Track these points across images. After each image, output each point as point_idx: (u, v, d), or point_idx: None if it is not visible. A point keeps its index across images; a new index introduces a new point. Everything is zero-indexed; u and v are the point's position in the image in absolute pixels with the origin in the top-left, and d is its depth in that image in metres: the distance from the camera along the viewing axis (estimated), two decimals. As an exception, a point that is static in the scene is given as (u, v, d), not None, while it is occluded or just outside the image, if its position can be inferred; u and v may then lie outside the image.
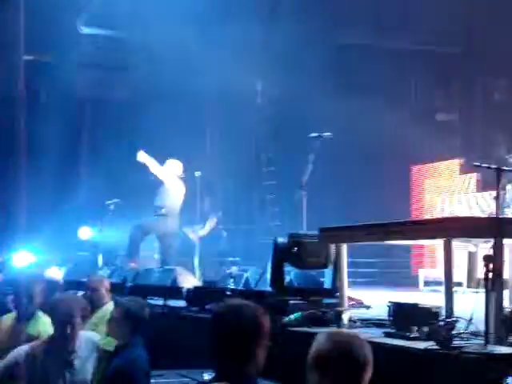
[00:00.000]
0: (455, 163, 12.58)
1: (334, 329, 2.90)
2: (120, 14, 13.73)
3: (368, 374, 2.64)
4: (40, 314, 5.90)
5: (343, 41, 14.33)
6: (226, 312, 2.96)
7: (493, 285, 4.15)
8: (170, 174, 10.40)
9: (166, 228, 10.27)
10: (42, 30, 13.30)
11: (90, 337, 5.09)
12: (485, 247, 4.56)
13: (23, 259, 11.35)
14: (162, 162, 10.60)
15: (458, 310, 4.42)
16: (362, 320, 5.49)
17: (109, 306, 6.15)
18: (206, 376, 5.10)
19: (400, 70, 14.11)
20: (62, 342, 4.86)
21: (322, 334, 2.72)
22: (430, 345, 4.15)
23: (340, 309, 5.29)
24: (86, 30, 14.39)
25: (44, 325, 5.63)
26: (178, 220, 10.45)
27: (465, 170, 12.21)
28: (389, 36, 14.23)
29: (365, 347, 2.67)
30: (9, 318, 6.06)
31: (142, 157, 10.33)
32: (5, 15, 13.55)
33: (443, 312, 4.45)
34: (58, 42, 13.87)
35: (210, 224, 11.76)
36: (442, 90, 13.93)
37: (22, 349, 4.91)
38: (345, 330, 2.86)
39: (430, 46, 14.36)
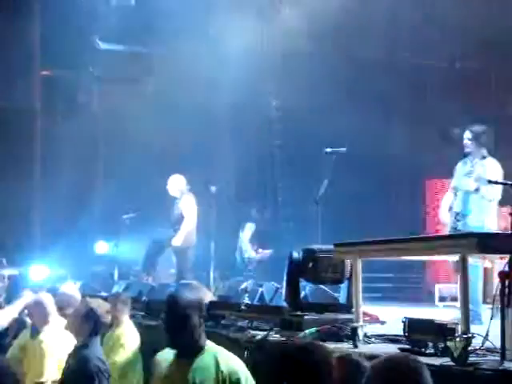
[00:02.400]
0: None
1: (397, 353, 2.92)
2: (136, 29, 13.85)
3: None
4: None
5: (358, 55, 14.35)
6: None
7: (508, 301, 4.14)
8: (179, 190, 10.46)
9: (182, 243, 10.30)
10: (59, 46, 13.43)
11: None
12: (500, 263, 4.54)
13: (39, 273, 11.41)
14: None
15: (474, 326, 4.41)
16: (378, 336, 5.47)
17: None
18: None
19: (415, 84, 14.13)
20: None
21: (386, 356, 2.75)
22: (445, 361, 4.14)
23: (355, 324, 5.28)
24: (103, 46, 14.50)
25: None
26: (194, 234, 10.48)
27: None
28: (404, 51, 14.27)
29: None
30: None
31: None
32: (22, 32, 13.72)
33: (459, 328, 4.43)
34: (75, 58, 14.00)
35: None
36: (457, 105, 13.89)
37: None
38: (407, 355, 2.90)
39: (444, 61, 14.37)
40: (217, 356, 3.80)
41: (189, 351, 3.82)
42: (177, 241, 10.19)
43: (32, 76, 14.21)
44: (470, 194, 7.31)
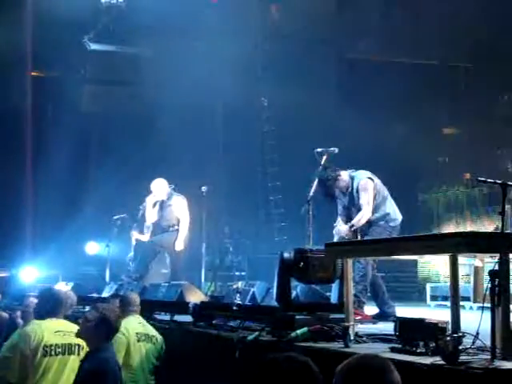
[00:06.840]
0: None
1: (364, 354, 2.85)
2: (127, 30, 13.83)
3: None
4: None
5: (351, 55, 14.38)
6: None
7: (499, 300, 4.14)
8: (166, 192, 10.38)
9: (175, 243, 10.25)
10: (49, 47, 13.41)
11: None
12: (491, 262, 4.55)
13: (30, 274, 11.39)
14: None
15: (464, 325, 4.41)
16: (369, 335, 5.48)
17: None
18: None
19: (407, 84, 14.14)
20: None
21: (353, 358, 2.72)
22: (436, 360, 4.14)
23: (346, 324, 5.28)
24: (93, 47, 14.48)
25: None
26: (188, 235, 10.42)
27: (472, 184, 12.23)
28: (397, 51, 14.28)
29: (395, 372, 2.68)
30: None
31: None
32: (13, 32, 13.69)
33: (450, 327, 4.43)
34: (65, 58, 13.97)
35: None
36: (448, 105, 13.92)
37: None
38: (375, 354, 2.83)
39: (436, 60, 14.41)
40: None
41: None
42: (179, 245, 10.14)
43: (22, 77, 14.17)
44: None
